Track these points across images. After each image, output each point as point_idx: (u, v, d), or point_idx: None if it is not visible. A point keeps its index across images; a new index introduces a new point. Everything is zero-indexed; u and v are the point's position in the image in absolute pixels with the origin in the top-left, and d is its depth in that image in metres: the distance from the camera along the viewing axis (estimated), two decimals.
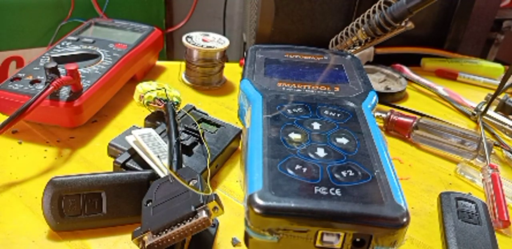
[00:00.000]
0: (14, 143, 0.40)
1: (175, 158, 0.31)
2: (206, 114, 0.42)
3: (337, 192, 0.25)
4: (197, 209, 0.26)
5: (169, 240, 0.26)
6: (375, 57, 0.60)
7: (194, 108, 0.42)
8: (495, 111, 0.51)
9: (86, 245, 0.30)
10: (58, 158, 0.38)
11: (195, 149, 0.37)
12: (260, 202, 0.24)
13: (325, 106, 0.33)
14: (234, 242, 0.31)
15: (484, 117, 0.50)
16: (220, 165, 0.39)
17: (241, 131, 0.40)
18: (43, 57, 0.46)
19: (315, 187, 0.25)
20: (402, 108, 0.51)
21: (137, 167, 0.34)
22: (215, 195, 0.26)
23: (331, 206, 0.24)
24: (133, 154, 0.35)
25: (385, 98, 0.53)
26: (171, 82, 0.53)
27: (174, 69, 0.57)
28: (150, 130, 0.36)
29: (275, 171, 0.26)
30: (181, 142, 0.35)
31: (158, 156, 0.33)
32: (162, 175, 0.32)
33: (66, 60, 0.44)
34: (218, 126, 0.41)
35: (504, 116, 0.50)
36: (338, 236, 0.24)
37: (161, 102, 0.39)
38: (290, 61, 0.41)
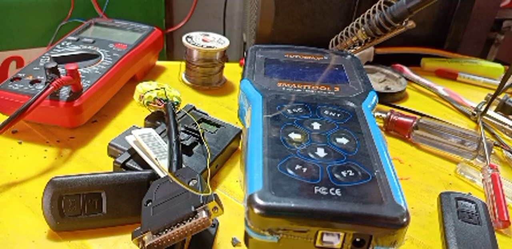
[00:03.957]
0: (14, 143, 0.40)
1: (175, 158, 0.31)
2: (206, 114, 0.42)
3: (337, 192, 0.25)
4: (197, 209, 0.26)
5: (169, 240, 0.26)
6: (375, 57, 0.60)
7: (194, 108, 0.42)
8: (495, 111, 0.51)
9: (86, 245, 0.30)
10: (58, 158, 0.38)
11: (195, 149, 0.37)
12: (260, 202, 0.24)
13: (325, 106, 0.33)
14: (234, 242, 0.31)
15: (484, 117, 0.50)
16: (220, 165, 0.39)
17: (241, 131, 0.40)
18: (43, 57, 0.46)
19: (315, 187, 0.25)
20: (402, 108, 0.51)
21: (137, 167, 0.34)
22: (215, 195, 0.26)
23: (331, 206, 0.24)
24: (133, 154, 0.35)
25: (385, 98, 0.53)
26: (171, 82, 0.53)
27: (174, 69, 0.57)
28: (150, 130, 0.36)
29: (275, 171, 0.26)
30: (181, 142, 0.35)
31: (157, 158, 0.33)
32: (162, 175, 0.32)
33: (66, 60, 0.44)
34: (218, 126, 0.41)
35: (504, 116, 0.50)
36: (338, 236, 0.24)
37: (161, 102, 0.39)
38: (290, 61, 0.41)
